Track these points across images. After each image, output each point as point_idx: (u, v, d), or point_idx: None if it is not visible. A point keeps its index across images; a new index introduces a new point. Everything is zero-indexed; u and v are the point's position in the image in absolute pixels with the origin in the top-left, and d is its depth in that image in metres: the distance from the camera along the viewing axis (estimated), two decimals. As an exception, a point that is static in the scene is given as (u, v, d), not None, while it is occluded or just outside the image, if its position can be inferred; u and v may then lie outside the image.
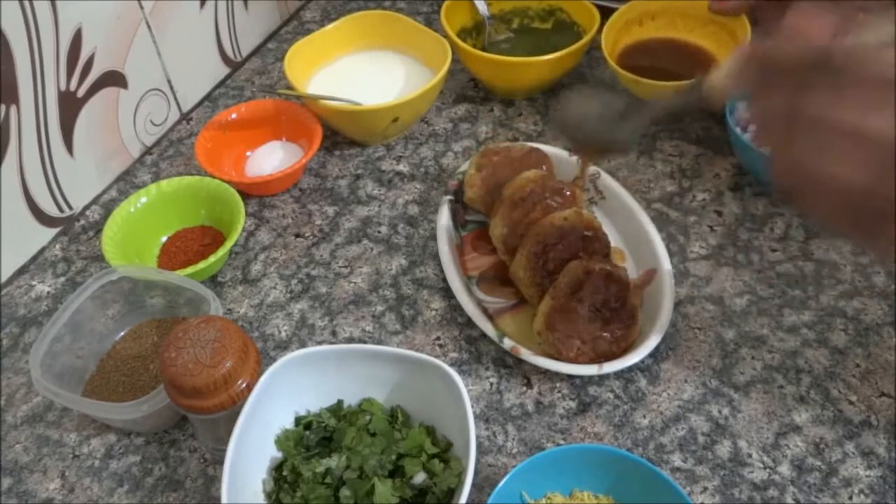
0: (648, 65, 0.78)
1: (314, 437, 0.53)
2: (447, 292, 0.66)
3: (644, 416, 0.58)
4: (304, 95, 0.76)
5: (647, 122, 0.52)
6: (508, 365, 0.62)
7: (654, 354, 0.62)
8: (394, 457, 0.51)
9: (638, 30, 0.79)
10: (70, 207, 0.74)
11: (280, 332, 0.65)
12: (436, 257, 0.68)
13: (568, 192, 0.64)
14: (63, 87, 0.68)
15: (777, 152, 0.33)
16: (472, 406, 0.50)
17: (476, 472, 0.52)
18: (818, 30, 0.34)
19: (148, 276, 0.62)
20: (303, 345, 0.64)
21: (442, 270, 0.66)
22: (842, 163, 0.31)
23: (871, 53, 0.31)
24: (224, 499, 0.46)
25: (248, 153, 0.78)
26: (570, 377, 0.60)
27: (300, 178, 0.77)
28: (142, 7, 0.74)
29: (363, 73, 0.82)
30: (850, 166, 0.31)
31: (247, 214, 0.71)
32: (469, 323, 0.63)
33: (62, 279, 0.70)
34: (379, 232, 0.72)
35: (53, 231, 0.73)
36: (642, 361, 0.60)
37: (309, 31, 0.84)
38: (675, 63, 0.79)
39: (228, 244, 0.66)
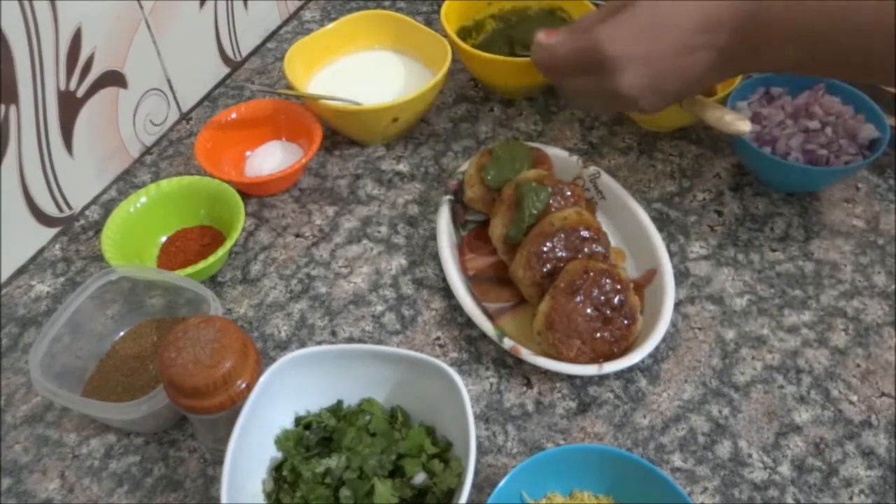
0: None
1: (314, 437, 0.53)
2: (447, 292, 0.66)
3: (644, 416, 0.58)
4: (304, 95, 0.76)
5: None
6: (508, 365, 0.62)
7: (654, 354, 0.62)
8: (394, 457, 0.51)
9: None
10: (70, 207, 0.74)
11: (280, 332, 0.65)
12: (436, 257, 0.68)
13: (568, 192, 0.64)
14: (63, 87, 0.68)
15: (568, 97, 0.75)
16: (472, 406, 0.50)
17: (476, 472, 0.52)
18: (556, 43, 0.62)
19: (147, 276, 0.62)
20: (302, 345, 0.64)
21: (442, 270, 0.66)
22: (593, 103, 0.69)
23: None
24: (223, 499, 0.46)
25: (248, 153, 0.78)
26: (570, 377, 0.60)
27: (300, 178, 0.77)
28: (141, 7, 0.74)
29: (363, 73, 0.82)
30: (596, 104, 0.70)
31: (246, 214, 0.71)
32: (469, 323, 0.63)
33: (62, 279, 0.69)
34: (379, 232, 0.72)
35: (53, 231, 0.73)
36: (642, 361, 0.60)
37: (309, 31, 0.84)
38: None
39: (228, 244, 0.66)
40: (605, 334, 0.58)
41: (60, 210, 0.73)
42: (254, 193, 0.75)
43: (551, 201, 0.63)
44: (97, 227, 0.73)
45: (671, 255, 0.65)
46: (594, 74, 0.59)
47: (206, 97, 0.87)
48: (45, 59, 0.65)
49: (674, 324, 0.63)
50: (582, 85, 0.62)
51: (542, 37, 0.64)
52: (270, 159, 0.76)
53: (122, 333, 0.63)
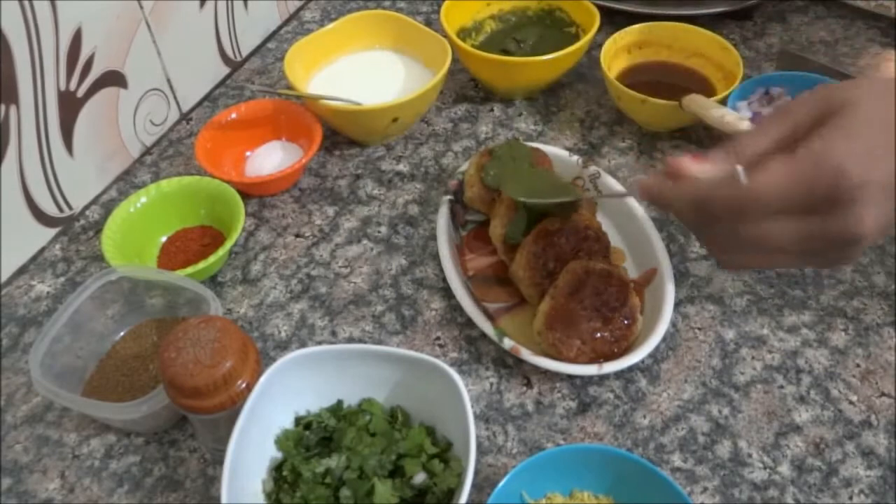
0: (646, 80, 0.80)
1: (314, 437, 0.53)
2: (447, 292, 0.66)
3: (644, 416, 0.58)
4: (304, 95, 0.76)
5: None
6: (508, 365, 0.62)
7: (654, 354, 0.62)
8: (394, 457, 0.51)
9: (628, 56, 0.83)
10: (70, 207, 0.74)
11: (280, 332, 0.65)
12: (436, 257, 0.68)
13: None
14: (63, 87, 0.68)
15: (709, 248, 0.53)
16: (472, 406, 0.50)
17: (476, 472, 0.52)
18: (697, 172, 0.47)
19: (148, 276, 0.62)
20: (303, 345, 0.64)
21: (442, 270, 0.66)
22: (782, 257, 0.48)
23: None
24: (224, 499, 0.46)
25: (248, 153, 0.78)
26: (570, 377, 0.60)
27: (300, 178, 0.77)
28: (142, 7, 0.74)
29: (363, 73, 0.82)
30: (787, 257, 0.48)
31: (247, 214, 0.71)
32: (469, 323, 0.63)
33: (62, 279, 0.69)
34: (379, 232, 0.72)
35: (53, 231, 0.73)
36: (642, 361, 0.60)
37: (309, 31, 0.84)
38: (672, 79, 0.81)
39: (228, 244, 0.66)
40: (605, 334, 0.58)
41: (60, 210, 0.73)
42: (254, 193, 0.75)
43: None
44: (97, 227, 0.73)
45: (671, 255, 0.65)
46: (817, 214, 0.43)
47: (207, 97, 0.87)
48: (45, 59, 0.65)
49: (674, 324, 0.63)
50: (784, 232, 0.45)
51: (692, 166, 0.47)
52: (270, 159, 0.76)
53: (122, 333, 0.63)
